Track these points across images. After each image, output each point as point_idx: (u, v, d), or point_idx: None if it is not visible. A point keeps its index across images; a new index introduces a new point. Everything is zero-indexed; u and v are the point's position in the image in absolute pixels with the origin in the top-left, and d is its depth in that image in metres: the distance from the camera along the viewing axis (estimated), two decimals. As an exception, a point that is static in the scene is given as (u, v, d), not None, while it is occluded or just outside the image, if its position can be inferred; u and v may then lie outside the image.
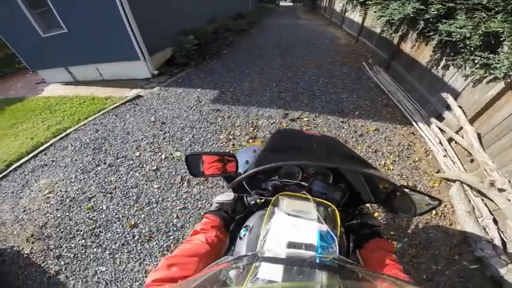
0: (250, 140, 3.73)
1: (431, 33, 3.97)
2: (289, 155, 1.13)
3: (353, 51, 8.05)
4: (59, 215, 2.87)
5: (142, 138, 3.87)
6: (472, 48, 3.19)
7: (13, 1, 5.48)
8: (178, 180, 3.04)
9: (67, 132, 4.28)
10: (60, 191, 3.19)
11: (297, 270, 0.52)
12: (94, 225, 2.67)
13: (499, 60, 2.81)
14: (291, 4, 32.38)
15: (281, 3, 31.82)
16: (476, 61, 3.11)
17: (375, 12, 5.77)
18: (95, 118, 4.59)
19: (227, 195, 1.09)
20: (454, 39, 3.41)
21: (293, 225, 0.71)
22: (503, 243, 2.31)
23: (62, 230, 2.71)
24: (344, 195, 1.08)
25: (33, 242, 2.65)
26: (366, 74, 6.05)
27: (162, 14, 6.57)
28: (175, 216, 2.66)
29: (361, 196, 1.16)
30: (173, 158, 3.41)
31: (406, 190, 0.97)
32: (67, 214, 2.87)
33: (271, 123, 4.10)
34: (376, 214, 2.59)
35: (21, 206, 3.09)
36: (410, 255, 2.35)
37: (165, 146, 3.65)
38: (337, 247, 0.62)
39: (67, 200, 3.04)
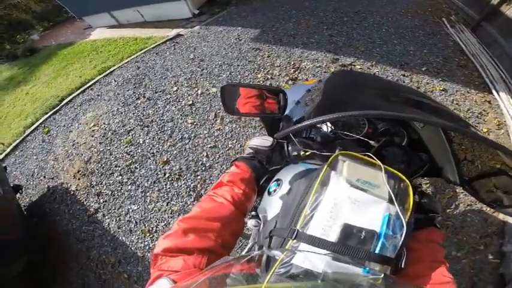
0: (290, 82, 3.35)
1: None
2: (363, 101, 0.85)
3: (432, 4, 6.54)
4: (101, 149, 2.98)
5: (180, 74, 3.79)
6: None
7: None
8: (212, 116, 2.93)
9: (111, 69, 4.40)
10: (104, 123, 3.29)
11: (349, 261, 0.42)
12: (130, 161, 2.73)
13: None
14: None
15: None
16: None
17: None
18: (137, 56, 4.63)
19: (264, 140, 0.85)
20: None
21: (355, 201, 0.51)
22: None
23: (103, 165, 2.82)
24: (422, 168, 0.85)
25: (79, 179, 2.79)
26: (445, 31, 4.90)
27: None
28: (205, 154, 2.59)
29: (442, 172, 0.89)
30: (209, 93, 3.28)
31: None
32: (108, 148, 2.97)
33: (317, 67, 3.60)
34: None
35: (71, 140, 3.27)
36: None
37: (202, 81, 3.53)
38: (403, 237, 0.48)
39: (109, 133, 3.13)
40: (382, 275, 0.41)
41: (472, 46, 4.33)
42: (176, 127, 2.90)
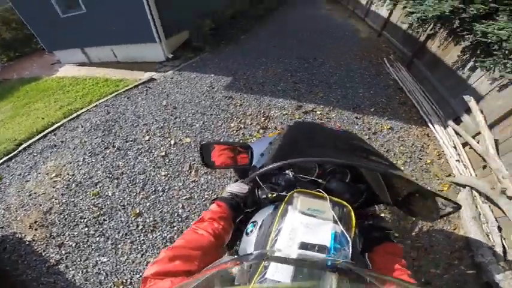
0: (261, 130, 3.53)
1: (465, 33, 3.72)
2: (309, 150, 1.09)
3: (374, 45, 7.63)
4: (64, 201, 2.79)
5: (152, 122, 3.74)
6: (506, 52, 2.99)
7: None
8: (186, 168, 2.91)
9: (78, 113, 4.18)
10: (67, 174, 3.10)
11: (307, 272, 0.50)
12: (98, 213, 2.57)
13: None
14: None
15: None
16: (508, 65, 2.93)
17: (405, 7, 5.36)
18: (106, 100, 4.48)
19: (241, 187, 1.00)
20: (489, 40, 3.20)
21: (307, 225, 0.65)
22: (504, 250, 2.31)
23: (66, 216, 2.63)
24: (361, 196, 1.05)
25: (36, 229, 2.57)
26: (386, 71, 5.69)
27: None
28: (180, 206, 2.55)
29: (379, 197, 1.11)
30: (182, 144, 3.26)
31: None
32: (72, 200, 2.78)
33: (284, 114, 3.90)
34: (382, 215, 2.42)
35: (27, 190, 3.02)
36: (411, 257, 2.34)
37: (175, 131, 3.51)
38: (351, 249, 0.59)
39: (73, 184, 2.95)
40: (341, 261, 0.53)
41: (408, 83, 5.02)
42: (149, 179, 2.81)
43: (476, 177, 3.01)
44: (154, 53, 5.96)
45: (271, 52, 6.48)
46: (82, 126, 3.85)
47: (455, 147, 3.45)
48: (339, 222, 0.68)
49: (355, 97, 4.49)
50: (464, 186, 2.96)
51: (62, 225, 2.54)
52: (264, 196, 0.97)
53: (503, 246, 2.33)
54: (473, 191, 2.86)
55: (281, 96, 4.38)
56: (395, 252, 0.86)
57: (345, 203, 0.78)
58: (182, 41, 6.68)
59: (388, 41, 7.62)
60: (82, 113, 4.17)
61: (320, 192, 0.79)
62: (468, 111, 3.46)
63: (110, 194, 2.73)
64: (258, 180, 0.99)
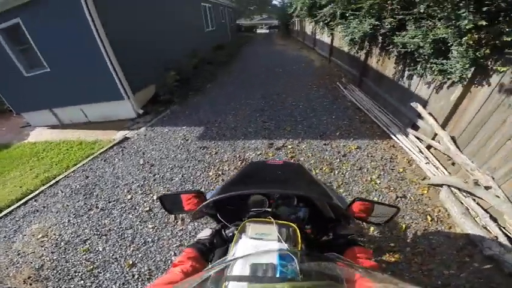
0: None
1: (391, 47, 4.50)
2: (251, 185, 1.39)
3: (327, 72, 9.16)
4: (55, 258, 3.14)
5: (132, 182, 4.23)
6: (426, 57, 3.62)
7: None
8: (172, 219, 3.39)
9: (56, 179, 4.62)
10: (54, 234, 3.48)
11: (260, 285, 0.67)
12: (92, 266, 2.94)
13: (452, 65, 3.21)
14: (267, 31, 37.04)
15: (258, 31, 36.12)
16: (433, 68, 3.52)
17: (339, 32, 6.51)
18: (83, 164, 4.96)
19: (205, 232, 1.27)
20: (409, 49, 3.85)
21: (256, 247, 0.87)
22: (510, 239, 2.50)
23: (60, 271, 2.96)
24: (306, 214, 1.32)
25: (30, 284, 2.88)
26: (342, 94, 6.88)
27: (144, 51, 7.18)
28: (172, 253, 2.96)
29: (323, 214, 1.39)
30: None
31: (365, 202, 1.29)
32: (63, 256, 3.14)
33: (258, 155, 4.57)
34: (371, 229, 2.95)
35: (15, 250, 3.35)
36: (417, 263, 2.55)
37: (156, 187, 4.03)
38: (297, 264, 0.71)
39: (62, 243, 3.32)
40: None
41: (363, 102, 6.01)
42: (137, 233, 3.26)
43: (450, 174, 3.41)
44: (124, 110, 6.60)
45: (238, 95, 7.54)
46: (62, 192, 4.28)
47: (421, 151, 3.98)
48: (282, 241, 0.90)
49: (319, 125, 5.39)
50: (441, 185, 3.33)
51: (56, 280, 2.87)
52: (231, 234, 1.18)
53: (506, 235, 2.52)
54: (452, 188, 3.18)
55: (253, 137, 5.14)
56: (363, 255, 1.04)
57: (289, 223, 1.03)
58: (150, 95, 7.44)
59: (338, 65, 9.09)
60: (60, 179, 4.61)
61: (268, 218, 1.06)
62: (421, 116, 4.09)
63: (100, 249, 3.13)
64: (221, 219, 1.28)
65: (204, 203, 1.25)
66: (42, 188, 4.48)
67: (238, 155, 4.60)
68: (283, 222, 1.04)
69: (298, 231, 0.99)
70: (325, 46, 10.84)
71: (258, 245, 0.90)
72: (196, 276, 0.85)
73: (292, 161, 4.24)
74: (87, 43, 5.57)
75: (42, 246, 3.35)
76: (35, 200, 4.25)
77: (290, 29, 23.98)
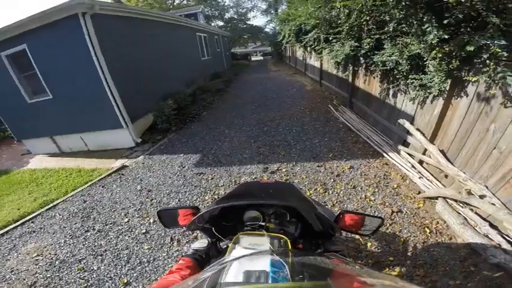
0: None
1: (373, 66, 4.70)
2: (244, 199, 1.43)
3: (319, 95, 9.63)
4: (48, 275, 3.17)
5: (129, 206, 4.34)
6: (405, 73, 3.75)
7: (1, 63, 6.17)
8: (168, 240, 3.46)
9: (54, 203, 4.73)
10: (49, 253, 3.54)
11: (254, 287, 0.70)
12: (86, 284, 2.98)
13: (430, 79, 3.33)
14: (262, 58, 38.98)
15: (253, 58, 37.85)
16: (414, 84, 3.64)
17: (325, 55, 6.89)
18: (82, 190, 5.10)
19: (202, 242, 1.33)
20: (389, 67, 4.02)
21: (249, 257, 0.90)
22: None
23: None
24: (297, 228, 1.40)
25: None
26: (333, 116, 7.18)
27: (142, 81, 7.58)
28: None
29: (313, 227, 1.40)
30: None
31: (352, 214, 1.37)
32: (57, 274, 3.18)
33: (254, 179, 4.68)
34: (369, 244, 3.00)
35: (9, 267, 3.40)
36: (419, 276, 2.53)
37: (153, 211, 4.12)
38: (288, 271, 0.75)
39: (56, 261, 3.37)
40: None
41: (354, 122, 6.22)
42: (133, 253, 3.32)
43: (444, 186, 3.48)
44: (123, 138, 6.81)
45: (233, 122, 7.84)
46: (60, 215, 4.37)
47: (413, 166, 4.10)
48: (274, 251, 0.93)
49: (313, 148, 5.58)
50: (436, 198, 3.39)
51: None
52: (225, 246, 1.23)
53: (509, 241, 2.50)
54: (448, 200, 3.23)
55: (248, 162, 5.29)
56: (360, 265, 1.08)
57: (280, 235, 1.10)
58: (148, 124, 7.72)
59: (328, 88, 9.52)
60: (58, 203, 4.73)
61: (261, 231, 1.16)
62: (409, 132, 4.20)
63: (95, 268, 3.18)
64: (215, 233, 1.31)
65: (198, 215, 1.32)
66: (40, 210, 4.59)
67: (234, 180, 4.74)
68: (275, 234, 1.13)
69: (289, 242, 1.06)
70: (315, 70, 11.40)
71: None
72: (192, 277, 0.91)
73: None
74: (88, 72, 5.88)
75: (36, 264, 3.40)
76: (32, 222, 4.34)
77: (282, 55, 25.15)
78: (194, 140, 6.92)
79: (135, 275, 3.07)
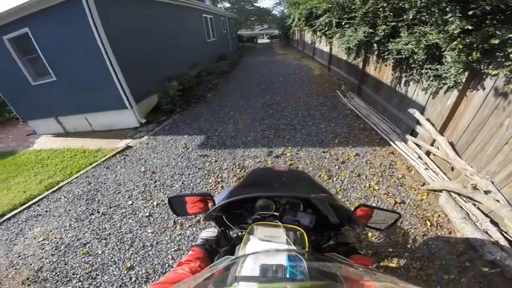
0: (238, 181, 4.20)
1: (386, 53, 4.56)
2: (258, 189, 1.43)
3: (326, 80, 9.44)
4: (54, 260, 3.23)
5: (133, 188, 4.36)
6: (420, 63, 3.67)
7: (3, 46, 6.19)
8: (171, 224, 3.48)
9: (59, 185, 4.77)
10: (55, 237, 3.59)
11: (271, 285, 0.68)
12: (90, 269, 3.03)
13: (446, 70, 3.26)
14: (268, 41, 38.67)
15: (259, 41, 37.48)
16: (428, 74, 3.58)
17: (336, 40, 6.72)
18: (86, 171, 5.13)
19: (211, 231, 1.31)
20: (404, 56, 3.91)
21: (265, 249, 0.88)
22: (511, 243, 2.51)
23: (58, 273, 3.05)
24: (312, 219, 1.33)
25: (29, 285, 2.97)
26: (341, 102, 7.06)
27: (147, 62, 7.49)
28: (170, 257, 3.04)
29: (328, 219, 1.40)
30: (165, 204, 3.85)
31: (367, 207, 1.30)
32: (62, 259, 3.23)
33: (257, 163, 4.68)
34: (370, 234, 3.00)
35: (16, 252, 3.47)
36: (415, 268, 2.57)
37: (156, 193, 4.15)
38: (306, 264, 0.73)
39: (62, 246, 3.43)
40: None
41: (362, 109, 6.14)
42: (136, 237, 3.36)
43: (449, 179, 3.46)
44: (127, 119, 6.82)
45: (238, 105, 7.77)
46: (65, 197, 4.42)
47: (420, 157, 4.04)
48: (292, 244, 0.92)
49: (318, 133, 5.51)
50: (440, 191, 3.37)
51: (55, 281, 2.96)
52: (235, 235, 1.18)
53: (507, 239, 2.53)
54: (452, 194, 3.22)
55: (253, 145, 5.27)
56: (363, 263, 1.05)
57: (296, 227, 1.06)
58: (153, 105, 7.66)
59: (337, 73, 9.39)
60: (63, 185, 4.76)
61: (276, 222, 1.10)
62: (419, 122, 4.14)
63: (99, 252, 3.23)
64: (226, 221, 1.26)
65: (216, 206, 1.26)
66: (46, 193, 4.62)
67: (237, 163, 4.72)
68: (291, 226, 1.08)
69: (305, 235, 1.02)
70: (324, 55, 11.16)
71: (268, 247, 0.93)
72: (200, 273, 0.87)
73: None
74: (91, 53, 5.83)
75: (42, 249, 3.45)
76: (38, 205, 4.38)
77: (290, 39, 24.82)
78: (199, 121, 6.88)
79: (138, 259, 3.10)
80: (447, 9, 2.82)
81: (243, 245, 0.99)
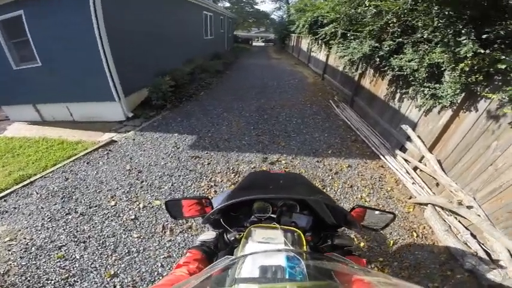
0: (232, 186, 4.15)
1: (386, 69, 4.77)
2: (256, 192, 1.44)
3: (320, 89, 9.78)
4: (23, 263, 2.97)
5: (117, 188, 4.13)
6: (420, 80, 3.89)
7: None
8: (160, 229, 3.32)
9: (32, 179, 4.41)
10: (24, 238, 3.31)
11: (271, 285, 0.71)
12: (67, 275, 2.81)
13: (444, 90, 3.50)
14: (263, 44, 39.42)
15: (254, 43, 38.45)
16: (425, 92, 3.82)
17: (337, 52, 6.96)
18: (64, 165, 4.77)
19: (209, 234, 1.32)
20: (405, 72, 4.11)
21: (263, 251, 0.89)
22: (488, 254, 2.84)
23: (29, 278, 2.80)
24: (309, 221, 1.43)
25: None
26: (334, 112, 7.32)
27: (141, 54, 7.40)
28: (159, 265, 2.89)
29: (325, 221, 1.47)
30: (152, 206, 3.70)
31: (363, 208, 1.41)
32: (34, 263, 2.98)
33: (252, 168, 4.67)
34: (362, 244, 3.16)
35: None
36: (404, 277, 2.76)
37: (143, 195, 3.95)
38: (304, 265, 0.75)
39: (33, 248, 3.16)
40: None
41: (354, 121, 6.39)
42: (120, 242, 3.16)
43: (434, 194, 3.80)
44: (113, 111, 6.60)
45: (232, 107, 7.77)
46: (37, 193, 4.09)
47: (407, 172, 4.38)
48: (289, 245, 0.97)
49: (312, 142, 5.74)
50: (426, 204, 3.71)
51: (25, 286, 2.72)
52: (233, 238, 1.23)
53: (485, 250, 2.87)
54: (436, 207, 3.56)
55: (247, 150, 5.26)
56: (357, 264, 1.07)
57: (293, 228, 1.12)
58: (142, 99, 7.50)
59: (331, 83, 9.74)
60: (36, 179, 4.41)
61: (274, 224, 1.15)
62: (409, 139, 4.44)
63: (77, 257, 3.00)
64: (224, 224, 1.31)
65: (215, 208, 1.30)
66: (15, 187, 4.26)
67: (231, 167, 4.64)
68: (288, 227, 1.13)
69: (302, 236, 1.07)
70: (319, 63, 11.54)
71: (266, 249, 0.95)
72: (199, 274, 0.88)
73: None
74: (86, 40, 5.68)
75: (9, 250, 3.17)
76: (5, 201, 4.03)
77: (286, 44, 25.65)
78: (190, 120, 6.74)
79: (122, 265, 2.92)
80: (463, 31, 2.98)
81: (241, 247, 1.02)
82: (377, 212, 1.43)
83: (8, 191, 4.19)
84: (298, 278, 0.70)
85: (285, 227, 1.13)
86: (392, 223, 3.19)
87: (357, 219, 1.39)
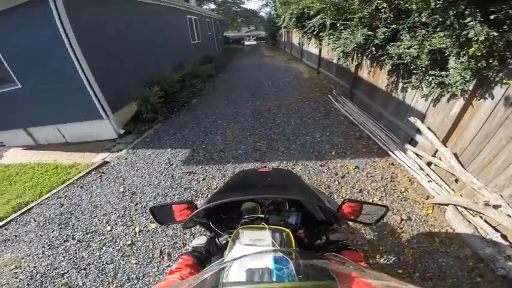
0: None
1: (384, 58, 4.58)
2: (242, 192, 1.49)
3: (316, 84, 9.66)
4: None
5: (112, 212, 4.21)
6: (423, 68, 3.64)
7: None
8: (157, 254, 3.39)
9: (29, 207, 4.57)
10: (28, 266, 3.45)
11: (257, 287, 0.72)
12: None
13: (451, 77, 3.24)
14: (255, 42, 40.42)
15: (246, 43, 39.12)
16: (430, 80, 3.58)
17: (329, 44, 6.76)
18: (58, 191, 4.91)
19: (201, 239, 1.34)
20: (405, 61, 3.89)
21: (250, 253, 0.90)
22: None
23: None
24: (298, 218, 1.47)
25: None
26: (333, 107, 7.17)
27: (125, 66, 7.39)
28: None
29: (315, 217, 1.52)
30: (148, 230, 3.76)
31: (354, 202, 1.41)
32: None
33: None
34: (378, 257, 3.04)
35: None
36: None
37: (138, 218, 4.02)
38: (293, 266, 0.76)
39: (37, 275, 3.30)
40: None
41: (356, 115, 6.21)
42: (119, 268, 3.26)
43: (454, 191, 3.51)
44: (103, 129, 6.63)
45: (226, 112, 7.75)
46: (35, 221, 4.23)
47: (421, 168, 4.09)
48: (277, 246, 0.99)
49: (314, 144, 5.53)
50: (447, 204, 3.43)
51: None
52: (224, 241, 1.26)
53: None
54: (458, 207, 3.29)
55: (244, 160, 5.19)
56: (354, 259, 1.13)
57: (283, 228, 1.13)
58: (132, 113, 7.51)
59: (327, 76, 9.65)
60: (33, 206, 4.56)
61: (262, 224, 1.17)
62: (419, 131, 4.17)
63: (80, 284, 3.12)
64: (214, 227, 1.37)
65: (194, 212, 1.34)
66: (14, 215, 4.43)
67: (228, 182, 4.66)
68: (276, 227, 1.14)
69: (291, 235, 1.09)
70: (313, 57, 11.46)
71: (252, 251, 0.96)
72: (191, 277, 0.94)
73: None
74: (59, 56, 5.58)
75: (16, 278, 3.32)
76: (6, 229, 4.20)
77: (277, 40, 25.94)
78: (183, 131, 6.78)
79: (124, 291, 3.02)
80: (466, 11, 2.72)
81: (229, 250, 1.04)
82: (368, 206, 1.44)
83: (8, 219, 4.36)
84: (286, 279, 0.72)
85: (273, 226, 1.14)
86: (394, 223, 3.35)
87: (350, 215, 1.41)
